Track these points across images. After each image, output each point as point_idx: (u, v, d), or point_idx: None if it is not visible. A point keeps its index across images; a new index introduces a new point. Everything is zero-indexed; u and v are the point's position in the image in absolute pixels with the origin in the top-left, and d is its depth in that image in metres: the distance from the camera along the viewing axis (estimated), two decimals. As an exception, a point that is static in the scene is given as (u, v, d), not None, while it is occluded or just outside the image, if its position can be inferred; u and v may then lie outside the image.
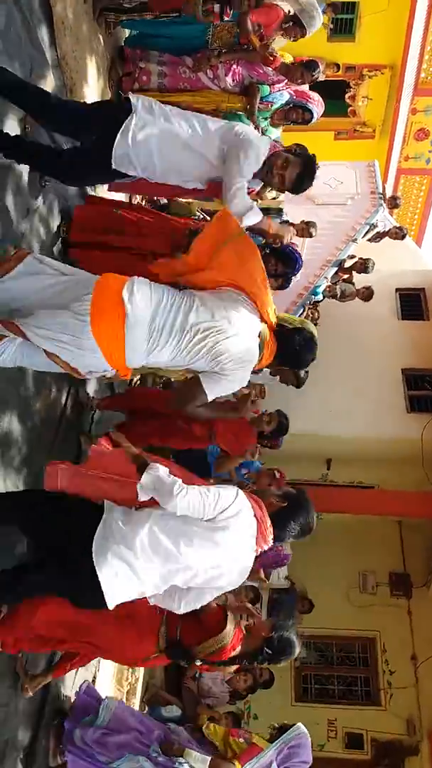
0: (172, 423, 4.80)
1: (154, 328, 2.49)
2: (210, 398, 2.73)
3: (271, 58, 4.48)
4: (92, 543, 2.20)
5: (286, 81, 4.89)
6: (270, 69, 4.65)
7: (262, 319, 2.78)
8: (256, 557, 2.46)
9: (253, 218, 3.15)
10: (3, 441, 3.21)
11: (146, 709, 6.21)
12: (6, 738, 3.23)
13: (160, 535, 2.23)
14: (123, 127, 3.02)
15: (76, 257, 3.96)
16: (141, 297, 2.47)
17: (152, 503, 2.31)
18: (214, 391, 2.70)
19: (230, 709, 6.72)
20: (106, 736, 3.58)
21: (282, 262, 4.69)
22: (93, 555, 2.18)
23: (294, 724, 3.79)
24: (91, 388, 4.84)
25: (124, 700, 5.54)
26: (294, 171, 3.23)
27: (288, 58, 5.05)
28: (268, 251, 4.54)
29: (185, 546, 2.24)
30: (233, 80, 4.76)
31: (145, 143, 3.04)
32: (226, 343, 2.59)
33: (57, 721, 3.79)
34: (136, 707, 5.80)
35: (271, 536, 2.47)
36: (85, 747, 3.55)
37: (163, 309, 2.51)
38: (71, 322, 2.41)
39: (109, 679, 5.32)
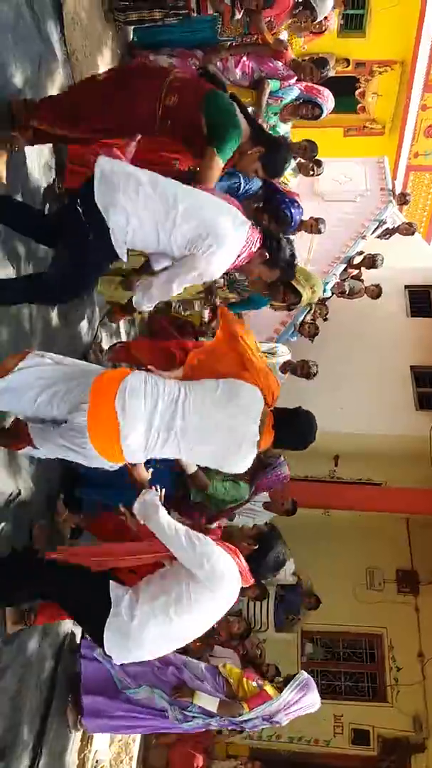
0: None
1: (150, 436, 2.49)
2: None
3: (283, 51, 4.47)
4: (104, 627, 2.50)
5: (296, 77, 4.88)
6: (280, 63, 4.63)
7: (266, 401, 2.73)
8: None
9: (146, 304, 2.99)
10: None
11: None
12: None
13: (164, 626, 2.50)
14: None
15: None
16: (135, 402, 2.45)
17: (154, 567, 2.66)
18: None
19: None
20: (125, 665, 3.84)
21: (275, 221, 4.48)
22: (105, 644, 2.51)
23: (297, 673, 4.22)
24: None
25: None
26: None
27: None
28: (260, 206, 4.46)
29: (190, 633, 2.62)
30: (242, 72, 4.77)
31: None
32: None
33: None
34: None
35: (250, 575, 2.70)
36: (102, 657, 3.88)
37: (161, 415, 2.49)
38: (75, 439, 2.50)
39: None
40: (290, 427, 2.98)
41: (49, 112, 3.14)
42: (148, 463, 2.77)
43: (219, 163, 3.06)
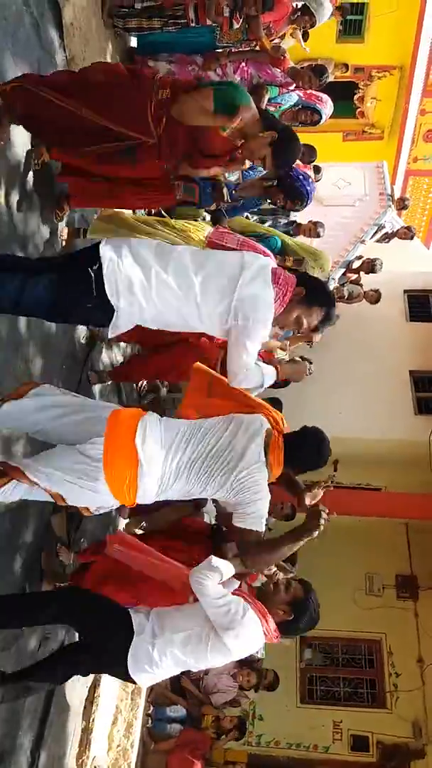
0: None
1: (165, 472, 2.44)
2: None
3: (282, 58, 4.48)
4: (126, 656, 2.58)
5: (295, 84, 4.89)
6: (278, 71, 4.64)
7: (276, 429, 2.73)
8: None
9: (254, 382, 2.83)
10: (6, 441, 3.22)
11: (151, 709, 6.24)
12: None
13: (183, 657, 2.59)
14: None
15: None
16: (153, 443, 2.41)
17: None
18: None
19: (235, 713, 6.73)
20: None
21: (290, 199, 4.48)
22: (129, 669, 2.59)
23: None
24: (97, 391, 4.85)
25: (129, 700, 5.56)
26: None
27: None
28: (273, 184, 4.43)
29: (201, 666, 2.70)
30: (241, 78, 4.76)
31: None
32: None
33: None
34: (141, 707, 5.81)
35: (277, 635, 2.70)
36: None
37: (175, 451, 2.45)
38: (86, 468, 2.38)
39: (114, 679, 5.33)
40: (302, 449, 2.94)
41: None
42: None
43: (208, 102, 2.97)
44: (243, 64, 4.76)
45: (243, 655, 2.68)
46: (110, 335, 2.62)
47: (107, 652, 2.66)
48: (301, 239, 6.14)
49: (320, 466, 3.15)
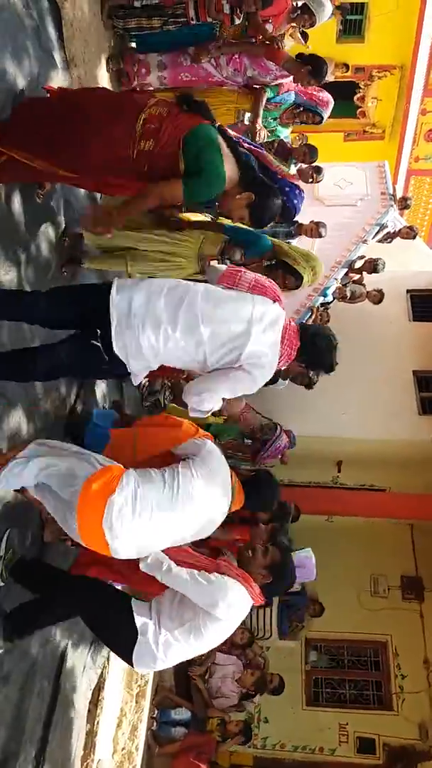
0: None
1: (139, 541, 2.57)
2: None
3: (276, 47, 4.41)
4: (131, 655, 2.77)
5: (291, 78, 4.83)
6: (272, 64, 4.53)
7: None
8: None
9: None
10: (10, 441, 3.21)
11: (156, 712, 6.21)
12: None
13: (182, 650, 2.80)
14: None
15: None
16: (122, 529, 2.48)
17: None
18: None
19: (241, 717, 6.70)
20: None
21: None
22: (133, 664, 2.81)
23: None
24: (100, 392, 4.84)
25: (134, 702, 5.54)
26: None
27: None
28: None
29: (203, 651, 2.92)
30: (234, 69, 4.72)
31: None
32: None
33: None
34: (146, 710, 5.79)
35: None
36: None
37: (150, 511, 2.53)
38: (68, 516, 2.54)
39: (118, 682, 5.31)
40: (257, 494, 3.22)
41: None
42: None
43: (176, 194, 2.83)
44: (236, 56, 4.70)
45: (239, 619, 2.83)
46: (135, 383, 2.78)
47: (113, 647, 2.95)
48: (303, 239, 6.13)
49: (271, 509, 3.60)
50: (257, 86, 5.04)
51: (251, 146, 3.72)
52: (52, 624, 3.44)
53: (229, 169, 2.85)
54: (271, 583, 3.04)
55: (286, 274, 4.16)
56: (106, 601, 2.91)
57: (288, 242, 4.97)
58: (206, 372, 2.73)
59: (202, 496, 2.63)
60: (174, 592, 2.83)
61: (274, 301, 2.76)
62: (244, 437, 5.23)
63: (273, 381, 3.97)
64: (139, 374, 2.68)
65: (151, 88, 4.91)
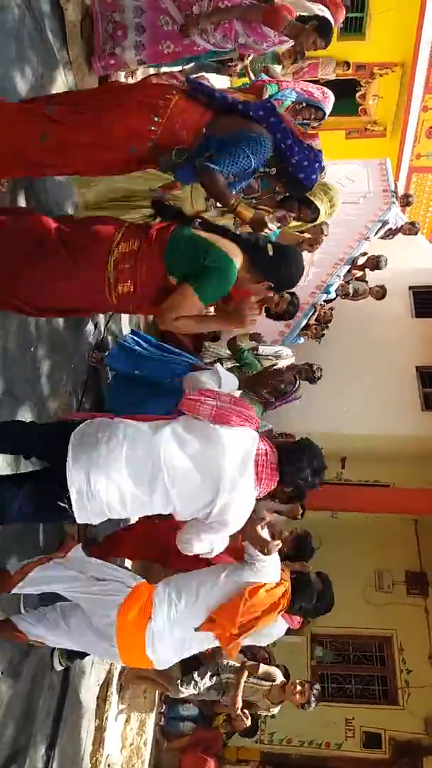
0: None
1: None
2: None
3: (275, 10, 3.80)
4: None
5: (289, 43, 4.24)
6: (270, 30, 3.95)
7: None
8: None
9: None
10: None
11: (164, 707, 6.25)
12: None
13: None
14: None
15: None
16: (164, 651, 2.64)
17: None
18: None
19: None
20: None
21: (291, 190, 3.63)
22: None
23: None
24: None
25: (143, 690, 5.58)
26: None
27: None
28: (271, 172, 3.50)
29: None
30: (223, 35, 4.05)
31: None
32: None
33: None
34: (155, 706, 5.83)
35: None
36: None
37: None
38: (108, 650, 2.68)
39: (126, 677, 5.36)
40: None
41: None
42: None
43: (195, 302, 2.53)
44: (226, 23, 3.98)
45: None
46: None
47: None
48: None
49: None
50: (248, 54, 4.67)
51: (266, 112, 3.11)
52: None
53: (232, 249, 2.60)
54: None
55: (302, 206, 3.90)
56: None
57: None
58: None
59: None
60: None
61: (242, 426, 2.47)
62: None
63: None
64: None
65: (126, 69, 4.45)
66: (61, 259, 2.49)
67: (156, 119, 2.78)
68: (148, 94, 2.89)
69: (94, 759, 4.47)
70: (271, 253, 2.68)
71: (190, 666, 5.11)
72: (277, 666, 5.57)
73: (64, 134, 2.71)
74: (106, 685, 4.75)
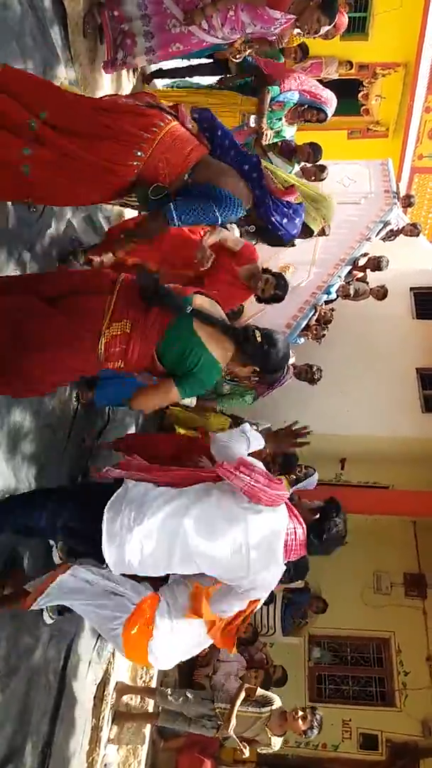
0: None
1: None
2: None
3: None
4: None
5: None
6: (276, 12, 3.91)
7: None
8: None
9: None
10: (15, 436, 3.24)
11: (160, 707, 6.23)
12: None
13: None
14: None
15: None
16: (166, 655, 2.74)
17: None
18: None
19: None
20: None
21: (269, 243, 3.92)
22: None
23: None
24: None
25: (139, 697, 5.58)
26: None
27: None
28: (250, 228, 3.85)
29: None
30: (231, 28, 4.05)
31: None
32: None
33: None
34: (151, 704, 5.82)
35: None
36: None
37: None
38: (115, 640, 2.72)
39: (123, 677, 5.35)
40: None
41: None
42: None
43: (174, 396, 2.62)
44: (232, 12, 3.97)
45: None
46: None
47: None
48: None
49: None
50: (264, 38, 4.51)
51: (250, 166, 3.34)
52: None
53: (220, 352, 2.59)
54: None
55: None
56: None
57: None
58: None
59: None
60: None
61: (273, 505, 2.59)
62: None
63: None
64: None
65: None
66: (49, 353, 2.47)
67: (139, 154, 2.73)
68: (136, 123, 2.78)
69: (91, 758, 4.46)
70: (259, 339, 2.66)
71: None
72: (275, 667, 5.57)
73: (45, 170, 2.64)
74: (102, 685, 4.75)
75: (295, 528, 2.62)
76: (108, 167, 2.72)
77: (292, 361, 5.62)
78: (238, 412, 5.49)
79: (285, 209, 3.29)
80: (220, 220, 2.96)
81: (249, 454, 2.73)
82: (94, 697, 4.62)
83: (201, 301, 2.63)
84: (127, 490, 2.59)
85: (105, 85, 4.64)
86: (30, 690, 3.38)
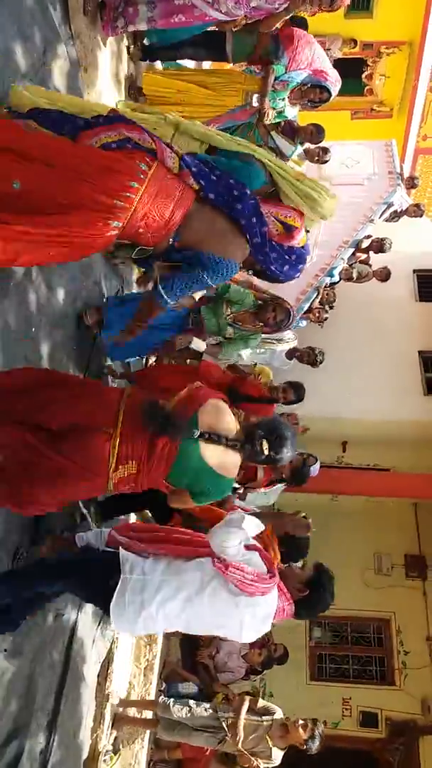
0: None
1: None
2: None
3: None
4: None
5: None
6: None
7: None
8: None
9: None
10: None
11: (164, 685, 6.31)
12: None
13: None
14: None
15: None
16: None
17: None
18: None
19: (246, 688, 6.80)
20: None
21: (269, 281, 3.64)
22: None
23: None
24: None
25: (142, 676, 5.64)
26: None
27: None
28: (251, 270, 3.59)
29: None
30: (235, 2, 4.04)
31: None
32: None
33: None
34: (154, 684, 5.90)
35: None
36: None
37: None
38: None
39: (126, 656, 5.41)
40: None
41: None
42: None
43: (188, 502, 2.65)
44: None
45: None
46: None
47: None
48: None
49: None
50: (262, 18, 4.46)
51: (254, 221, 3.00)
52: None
53: (232, 469, 2.59)
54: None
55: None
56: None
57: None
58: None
59: None
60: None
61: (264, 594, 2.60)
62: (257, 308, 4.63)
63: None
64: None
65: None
66: (59, 488, 2.54)
67: (115, 224, 2.58)
68: (107, 189, 2.54)
69: (95, 735, 4.53)
70: (266, 451, 2.56)
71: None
72: (277, 645, 5.61)
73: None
74: (107, 663, 4.80)
75: (284, 606, 2.72)
76: (85, 243, 2.58)
77: (294, 344, 5.62)
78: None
79: (286, 256, 3.14)
80: (211, 285, 2.96)
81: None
82: (98, 676, 4.67)
83: (207, 418, 2.56)
84: (126, 585, 2.59)
85: (105, 65, 4.60)
86: (35, 668, 3.42)
